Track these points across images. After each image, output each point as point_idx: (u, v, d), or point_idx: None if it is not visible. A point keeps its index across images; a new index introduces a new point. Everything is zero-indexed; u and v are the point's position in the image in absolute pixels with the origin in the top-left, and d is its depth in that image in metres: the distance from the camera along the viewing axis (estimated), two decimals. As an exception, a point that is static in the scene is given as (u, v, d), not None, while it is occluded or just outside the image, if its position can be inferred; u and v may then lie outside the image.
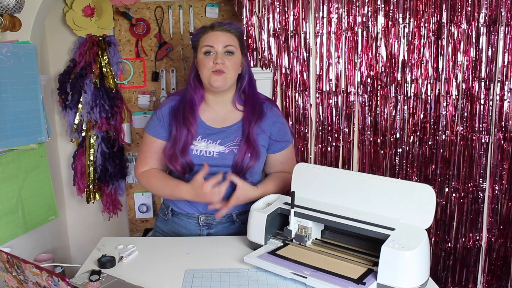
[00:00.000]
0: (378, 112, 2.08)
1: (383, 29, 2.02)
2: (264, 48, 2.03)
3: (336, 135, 2.10)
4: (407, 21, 2.01)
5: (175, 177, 1.49)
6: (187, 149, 1.43)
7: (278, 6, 2.00)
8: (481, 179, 2.13)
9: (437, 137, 2.10)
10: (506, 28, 2.00)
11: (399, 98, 2.07)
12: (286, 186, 1.51)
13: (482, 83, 2.05)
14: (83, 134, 2.27)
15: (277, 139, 1.49)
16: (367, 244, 1.19)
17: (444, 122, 2.09)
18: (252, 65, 2.03)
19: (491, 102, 2.07)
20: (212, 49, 1.42)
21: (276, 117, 1.51)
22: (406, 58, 2.04)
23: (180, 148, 1.42)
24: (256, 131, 1.45)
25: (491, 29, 2.01)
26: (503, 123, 2.07)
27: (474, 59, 2.04)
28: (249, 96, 1.51)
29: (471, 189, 2.14)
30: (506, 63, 2.03)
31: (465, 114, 2.08)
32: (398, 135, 2.10)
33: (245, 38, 2.01)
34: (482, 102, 2.07)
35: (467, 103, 2.07)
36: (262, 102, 1.52)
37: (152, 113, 1.74)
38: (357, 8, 2.00)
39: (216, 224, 1.49)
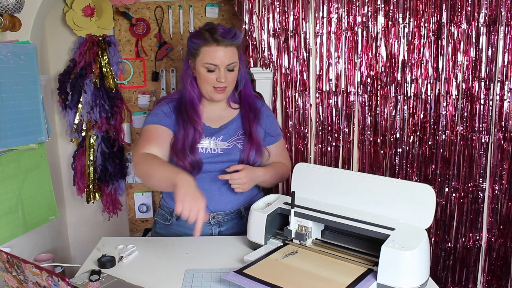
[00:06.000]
0: (378, 112, 2.08)
1: (383, 29, 2.02)
2: (264, 48, 2.02)
3: (336, 135, 2.10)
4: (407, 21, 2.01)
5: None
6: (195, 147, 1.44)
7: (278, 6, 1.99)
8: (481, 179, 2.13)
9: (437, 137, 2.09)
10: (506, 28, 2.00)
11: (399, 98, 2.07)
12: (285, 172, 1.60)
13: (482, 83, 2.05)
14: (83, 134, 2.26)
15: (271, 132, 1.58)
16: (367, 244, 1.19)
17: (444, 122, 2.08)
18: (252, 65, 2.03)
19: (491, 102, 2.07)
20: (215, 68, 1.41)
21: (268, 111, 1.62)
22: (406, 58, 2.04)
23: (189, 145, 1.43)
24: (257, 128, 1.51)
25: (491, 29, 2.00)
26: (503, 123, 2.07)
27: (474, 59, 2.04)
28: (245, 95, 1.56)
29: (471, 189, 2.14)
30: (506, 63, 2.03)
31: (465, 114, 2.08)
32: (398, 135, 2.10)
33: (245, 38, 2.01)
34: (482, 102, 2.06)
35: (467, 103, 2.07)
36: (254, 99, 1.59)
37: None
38: (357, 8, 2.00)
39: (226, 221, 1.51)
